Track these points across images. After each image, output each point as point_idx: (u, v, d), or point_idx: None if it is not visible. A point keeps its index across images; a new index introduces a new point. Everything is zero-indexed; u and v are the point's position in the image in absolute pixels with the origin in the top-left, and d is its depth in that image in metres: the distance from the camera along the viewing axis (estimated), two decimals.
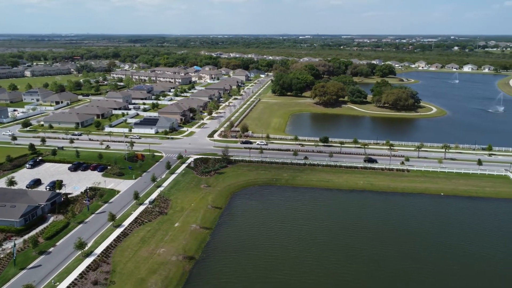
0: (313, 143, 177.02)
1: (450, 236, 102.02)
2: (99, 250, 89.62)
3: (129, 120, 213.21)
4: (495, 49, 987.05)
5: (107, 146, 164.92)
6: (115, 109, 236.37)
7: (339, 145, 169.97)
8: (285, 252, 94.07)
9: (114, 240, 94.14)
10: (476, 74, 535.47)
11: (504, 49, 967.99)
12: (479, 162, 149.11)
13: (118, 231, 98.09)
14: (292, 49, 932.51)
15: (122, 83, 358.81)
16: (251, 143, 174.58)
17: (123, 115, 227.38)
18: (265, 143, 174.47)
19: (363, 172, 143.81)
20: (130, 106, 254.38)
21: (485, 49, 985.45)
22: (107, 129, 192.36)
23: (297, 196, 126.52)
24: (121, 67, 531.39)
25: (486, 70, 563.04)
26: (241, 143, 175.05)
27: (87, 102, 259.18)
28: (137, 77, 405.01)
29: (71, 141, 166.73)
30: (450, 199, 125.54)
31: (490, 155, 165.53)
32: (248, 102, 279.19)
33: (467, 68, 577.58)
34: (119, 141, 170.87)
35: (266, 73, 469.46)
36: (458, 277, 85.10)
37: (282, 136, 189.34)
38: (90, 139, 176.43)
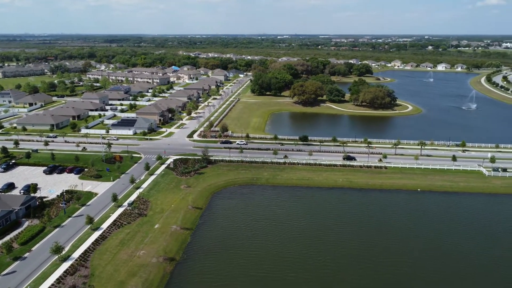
0: (292, 142, 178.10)
1: (426, 230, 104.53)
2: (77, 254, 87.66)
3: (106, 121, 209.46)
4: (467, 48, 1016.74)
5: (84, 148, 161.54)
6: (92, 110, 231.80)
7: (318, 143, 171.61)
8: (266, 250, 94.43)
9: (93, 243, 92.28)
10: (450, 73, 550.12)
11: (475, 48, 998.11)
12: (454, 158, 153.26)
13: (96, 234, 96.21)
14: (270, 49, 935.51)
15: (98, 84, 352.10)
16: (231, 142, 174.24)
17: (100, 116, 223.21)
18: (245, 142, 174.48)
19: (342, 169, 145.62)
20: (107, 107, 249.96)
21: (458, 48, 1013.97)
22: (84, 131, 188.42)
23: (277, 194, 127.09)
24: (97, 67, 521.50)
25: (459, 69, 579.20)
26: (221, 143, 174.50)
27: (62, 104, 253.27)
28: (114, 77, 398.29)
29: (46, 143, 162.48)
30: (427, 195, 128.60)
31: (464, 151, 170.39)
32: (228, 102, 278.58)
33: (441, 67, 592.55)
34: (96, 143, 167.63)
35: (245, 73, 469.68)
36: (435, 268, 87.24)
37: (262, 136, 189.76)
38: (66, 141, 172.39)
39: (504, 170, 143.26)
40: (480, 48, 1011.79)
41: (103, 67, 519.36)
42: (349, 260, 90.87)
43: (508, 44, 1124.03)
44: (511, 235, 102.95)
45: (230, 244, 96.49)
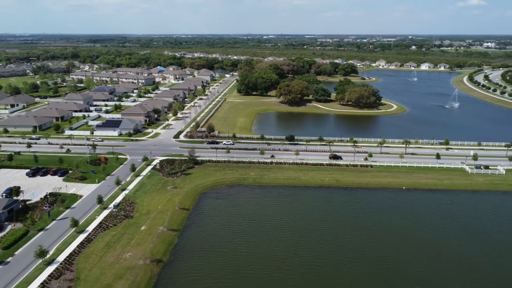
0: (279, 142, 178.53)
1: (412, 227, 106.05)
2: (61, 258, 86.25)
3: (91, 123, 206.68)
4: (449, 48, 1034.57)
5: (68, 149, 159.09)
6: (76, 111, 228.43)
7: (305, 143, 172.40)
8: (253, 249, 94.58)
9: (78, 246, 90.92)
10: (433, 72, 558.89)
11: (458, 48, 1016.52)
12: (438, 156, 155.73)
13: (81, 237, 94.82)
14: (256, 49, 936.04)
15: (82, 85, 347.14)
16: (217, 143, 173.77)
17: (84, 117, 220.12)
18: (231, 142, 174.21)
19: (329, 169, 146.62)
20: (92, 108, 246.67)
21: (441, 48, 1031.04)
22: (68, 132, 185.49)
23: (264, 194, 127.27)
24: (81, 68, 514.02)
25: (442, 68, 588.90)
26: (207, 143, 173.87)
27: (45, 105, 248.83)
28: (98, 78, 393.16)
29: (29, 145, 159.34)
30: (412, 193, 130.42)
31: (447, 149, 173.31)
32: (214, 102, 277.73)
33: (424, 67, 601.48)
34: (80, 144, 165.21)
35: (231, 73, 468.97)
36: (420, 263, 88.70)
37: (249, 136, 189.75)
38: (49, 143, 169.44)
39: (486, 167, 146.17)
40: (462, 48, 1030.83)
41: (87, 68, 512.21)
42: (336, 258, 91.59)
43: (489, 44, 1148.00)
44: (493, 231, 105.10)
45: (217, 244, 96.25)
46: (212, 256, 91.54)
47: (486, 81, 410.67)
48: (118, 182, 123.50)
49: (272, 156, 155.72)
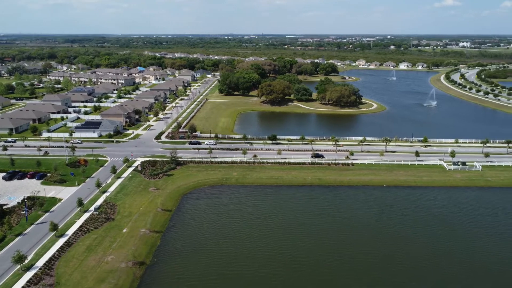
0: (261, 142, 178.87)
1: (393, 223, 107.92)
2: (40, 263, 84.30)
3: (69, 124, 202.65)
4: (427, 48, 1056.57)
5: (46, 152, 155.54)
6: (53, 113, 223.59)
7: (287, 142, 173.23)
8: (237, 248, 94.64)
9: (57, 250, 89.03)
10: (411, 71, 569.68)
11: (435, 47, 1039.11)
12: (417, 154, 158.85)
13: (61, 241, 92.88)
14: (237, 49, 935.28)
15: (60, 86, 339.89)
16: (199, 143, 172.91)
17: (62, 119, 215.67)
18: (214, 143, 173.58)
19: (311, 167, 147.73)
20: (70, 110, 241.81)
21: (418, 48, 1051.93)
22: (45, 134, 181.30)
23: (247, 194, 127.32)
24: (59, 68, 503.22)
25: (420, 68, 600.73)
26: (189, 144, 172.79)
27: (21, 106, 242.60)
28: (76, 79, 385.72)
29: (4, 148, 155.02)
30: (392, 190, 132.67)
31: (426, 146, 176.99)
32: (195, 103, 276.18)
33: (403, 66, 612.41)
34: (59, 147, 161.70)
35: (212, 73, 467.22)
36: (402, 258, 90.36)
37: (231, 136, 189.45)
38: (26, 146, 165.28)
39: (464, 164, 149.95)
40: (439, 47, 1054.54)
41: (64, 68, 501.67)
42: (318, 254, 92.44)
43: (465, 44, 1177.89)
44: (470, 225, 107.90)
45: (201, 245, 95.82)
46: (195, 256, 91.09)
47: (462, 80, 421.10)
48: (98, 185, 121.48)
49: (255, 156, 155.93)
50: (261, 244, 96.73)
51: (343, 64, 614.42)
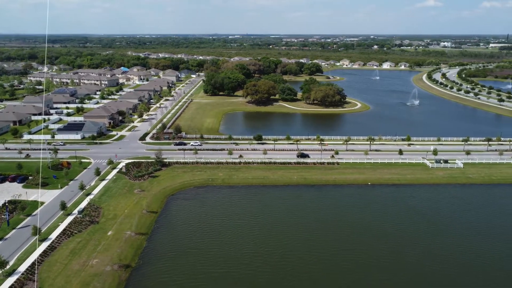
0: (247, 142, 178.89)
1: (377, 220, 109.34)
2: (23, 268, 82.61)
3: (51, 126, 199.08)
4: (409, 47, 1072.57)
5: (27, 155, 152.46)
6: (35, 114, 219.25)
7: (272, 142, 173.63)
8: (224, 248, 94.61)
9: (40, 255, 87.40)
10: (394, 71, 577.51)
11: (417, 47, 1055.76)
12: (400, 152, 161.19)
13: (44, 245, 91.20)
14: (222, 49, 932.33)
15: (41, 87, 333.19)
16: (185, 144, 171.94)
17: (44, 120, 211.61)
18: (199, 143, 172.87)
19: (297, 167, 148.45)
20: (52, 111, 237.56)
21: (401, 47, 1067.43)
22: (26, 137, 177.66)
23: (233, 194, 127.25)
24: (39, 69, 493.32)
25: (402, 67, 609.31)
26: (174, 145, 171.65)
27: (1, 108, 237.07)
28: (58, 79, 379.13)
29: None
30: (376, 188, 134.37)
31: (409, 145, 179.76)
32: (180, 103, 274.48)
33: (386, 66, 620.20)
34: (40, 149, 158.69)
35: (197, 73, 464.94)
36: (386, 255, 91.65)
37: (216, 136, 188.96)
38: (6, 148, 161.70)
39: (446, 161, 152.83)
40: (420, 47, 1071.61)
41: (46, 69, 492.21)
42: (304, 253, 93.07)
43: (446, 43, 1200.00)
44: (451, 222, 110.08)
45: (187, 246, 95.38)
46: (182, 257, 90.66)
47: (444, 79, 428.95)
48: (82, 187, 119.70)
49: (241, 156, 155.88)
50: (247, 243, 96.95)
51: (328, 64, 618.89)
